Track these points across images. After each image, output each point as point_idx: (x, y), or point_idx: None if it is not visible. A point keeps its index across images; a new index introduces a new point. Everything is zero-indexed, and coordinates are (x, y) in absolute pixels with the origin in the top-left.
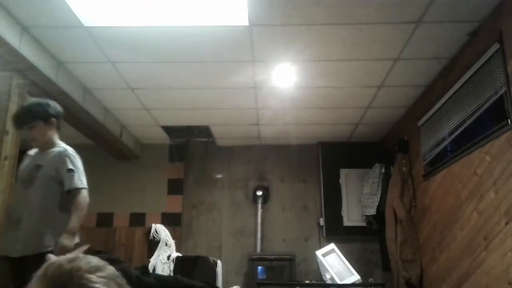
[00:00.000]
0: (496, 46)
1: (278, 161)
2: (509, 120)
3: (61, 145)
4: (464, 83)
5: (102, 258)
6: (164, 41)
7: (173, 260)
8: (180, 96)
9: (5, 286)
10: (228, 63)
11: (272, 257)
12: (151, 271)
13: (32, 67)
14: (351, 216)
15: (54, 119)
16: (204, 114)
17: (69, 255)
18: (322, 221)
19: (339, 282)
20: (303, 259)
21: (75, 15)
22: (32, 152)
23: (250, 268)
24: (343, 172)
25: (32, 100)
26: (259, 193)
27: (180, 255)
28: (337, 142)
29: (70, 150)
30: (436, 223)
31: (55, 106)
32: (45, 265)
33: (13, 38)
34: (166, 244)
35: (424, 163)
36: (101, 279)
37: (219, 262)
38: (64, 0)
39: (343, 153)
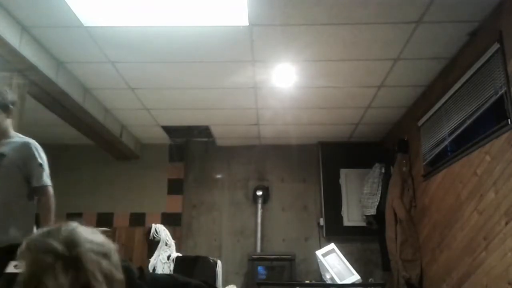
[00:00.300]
0: (496, 46)
1: (278, 161)
2: (509, 120)
3: (19, 135)
4: (464, 83)
5: None
6: (164, 41)
7: (173, 260)
8: (180, 96)
9: None
10: (228, 63)
11: (272, 257)
12: (151, 271)
13: (32, 67)
14: (351, 216)
15: (12, 107)
16: (204, 114)
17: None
18: (322, 221)
19: (339, 282)
20: (303, 259)
21: (75, 15)
22: None
23: (250, 268)
24: (343, 172)
25: None
26: (259, 193)
27: (180, 255)
28: (337, 142)
29: (35, 142)
30: (436, 223)
31: (11, 94)
32: (21, 247)
33: (13, 38)
34: (166, 244)
35: (424, 163)
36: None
37: (219, 262)
38: (64, 0)
39: (343, 153)
